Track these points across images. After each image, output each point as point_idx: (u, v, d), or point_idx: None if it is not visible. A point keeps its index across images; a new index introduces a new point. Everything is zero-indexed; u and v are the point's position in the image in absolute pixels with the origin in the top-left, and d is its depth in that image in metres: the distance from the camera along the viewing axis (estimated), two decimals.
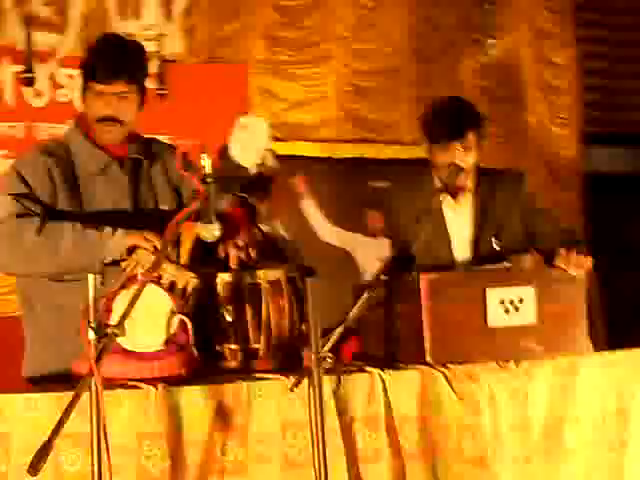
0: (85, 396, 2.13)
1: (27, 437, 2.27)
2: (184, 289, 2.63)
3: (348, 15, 7.50)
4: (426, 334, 2.77)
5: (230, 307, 2.68)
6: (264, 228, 3.04)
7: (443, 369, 2.75)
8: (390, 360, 2.83)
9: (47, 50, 6.26)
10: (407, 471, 2.69)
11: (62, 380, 2.61)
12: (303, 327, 2.77)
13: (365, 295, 2.69)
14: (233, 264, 2.71)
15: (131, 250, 2.69)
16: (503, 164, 5.75)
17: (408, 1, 7.73)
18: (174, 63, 6.38)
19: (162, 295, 2.54)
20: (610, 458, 2.97)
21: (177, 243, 3.06)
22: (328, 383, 2.55)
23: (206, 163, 2.51)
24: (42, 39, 6.10)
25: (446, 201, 3.44)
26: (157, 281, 2.56)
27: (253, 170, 2.95)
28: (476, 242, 3.49)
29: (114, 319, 2.30)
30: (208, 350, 2.67)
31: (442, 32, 7.83)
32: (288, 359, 2.74)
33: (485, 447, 2.75)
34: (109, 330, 2.14)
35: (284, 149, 6.40)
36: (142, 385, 2.40)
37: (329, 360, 2.52)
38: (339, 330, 2.64)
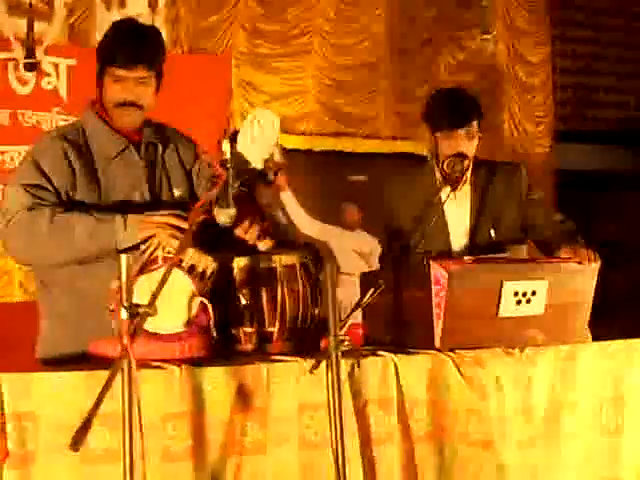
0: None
1: (55, 416, 2.29)
2: (203, 272, 2.66)
3: (328, 9, 7.55)
4: (437, 321, 2.81)
5: (246, 291, 2.72)
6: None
7: (452, 354, 2.81)
8: (399, 345, 2.88)
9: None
10: (416, 453, 2.74)
11: (78, 361, 2.64)
12: (316, 311, 2.82)
13: (378, 285, 2.76)
14: (252, 239, 2.73)
15: (146, 238, 2.71)
16: None
17: None
18: None
19: (183, 277, 2.57)
20: (607, 443, 3.05)
21: None
22: (344, 366, 2.59)
23: (226, 148, 2.55)
24: None
25: (445, 191, 3.50)
26: (178, 264, 2.59)
27: (260, 164, 2.98)
28: (473, 232, 3.56)
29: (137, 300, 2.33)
30: (223, 333, 2.71)
31: (420, 28, 7.92)
32: (301, 342, 2.78)
33: (491, 431, 2.81)
34: (141, 310, 2.16)
35: None
36: (166, 365, 2.43)
37: (346, 344, 2.57)
38: (353, 315, 2.70)
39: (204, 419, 2.44)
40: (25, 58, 5.93)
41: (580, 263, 3.02)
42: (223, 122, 6.67)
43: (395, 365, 2.71)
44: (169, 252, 2.61)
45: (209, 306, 2.58)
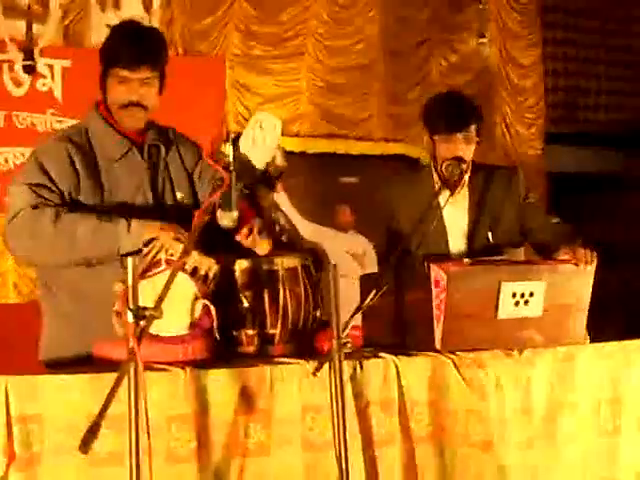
0: None
1: (60, 419, 2.30)
2: (206, 275, 2.67)
3: (322, 12, 7.57)
4: (438, 323, 2.83)
5: (248, 293, 2.73)
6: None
7: (452, 356, 2.83)
8: (400, 347, 2.90)
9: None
10: (417, 454, 2.76)
11: (81, 363, 2.65)
12: (317, 314, 2.84)
13: (380, 287, 2.77)
14: (249, 244, 2.75)
15: (148, 241, 2.72)
16: None
17: None
18: None
19: (186, 280, 2.58)
20: (605, 443, 3.08)
21: None
22: (346, 368, 2.61)
23: (229, 151, 2.55)
24: (23, 28, 6.07)
25: (444, 194, 3.51)
26: (182, 267, 2.60)
27: (262, 167, 2.99)
28: (471, 235, 3.58)
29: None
30: (224, 335, 2.72)
31: (414, 30, 7.94)
32: (303, 344, 2.80)
33: (491, 431, 2.83)
34: (147, 313, 2.17)
35: None
36: (171, 368, 2.44)
37: (349, 346, 2.59)
38: (355, 317, 2.72)
39: (208, 421, 2.46)
40: (23, 60, 5.93)
41: (577, 264, 3.05)
42: (217, 124, 6.69)
43: (396, 367, 2.74)
44: (172, 255, 2.62)
45: (212, 309, 2.59)
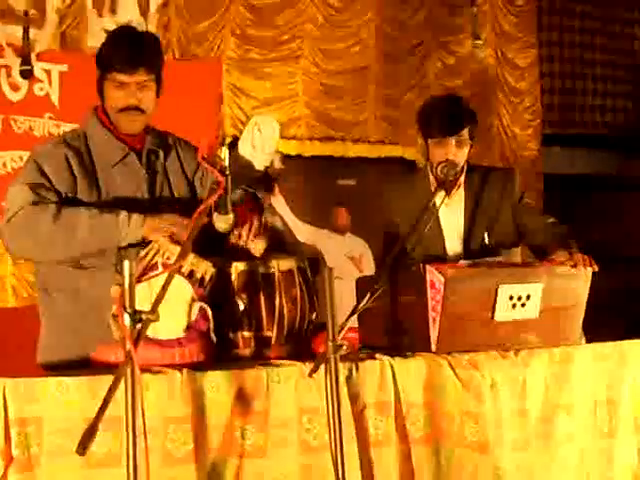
0: None
1: (58, 421, 2.31)
2: (202, 277, 2.68)
3: (318, 15, 7.59)
4: (433, 325, 2.84)
5: (244, 295, 2.74)
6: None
7: (448, 357, 2.84)
8: (396, 349, 2.91)
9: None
10: (413, 455, 2.77)
11: (79, 366, 2.67)
12: (313, 316, 2.85)
13: (376, 288, 2.79)
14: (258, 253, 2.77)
15: (145, 244, 2.73)
16: None
17: (376, 2, 7.85)
18: None
19: (183, 283, 2.60)
20: (601, 444, 3.08)
21: None
22: (342, 370, 2.62)
23: (225, 155, 2.57)
24: (20, 33, 6.09)
25: (439, 196, 3.52)
26: (178, 270, 2.61)
27: (260, 169, 3.00)
28: (468, 237, 3.59)
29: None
30: (220, 337, 2.73)
31: (410, 33, 7.96)
32: (299, 347, 2.81)
33: (486, 433, 2.83)
34: (144, 316, 2.18)
35: None
36: (167, 370, 2.46)
37: (345, 348, 2.60)
38: (351, 319, 2.73)
39: (205, 423, 2.47)
40: (20, 65, 5.95)
41: (575, 267, 3.06)
42: (214, 127, 6.70)
43: (392, 369, 2.74)
44: (168, 258, 2.63)
45: (208, 311, 2.60)
